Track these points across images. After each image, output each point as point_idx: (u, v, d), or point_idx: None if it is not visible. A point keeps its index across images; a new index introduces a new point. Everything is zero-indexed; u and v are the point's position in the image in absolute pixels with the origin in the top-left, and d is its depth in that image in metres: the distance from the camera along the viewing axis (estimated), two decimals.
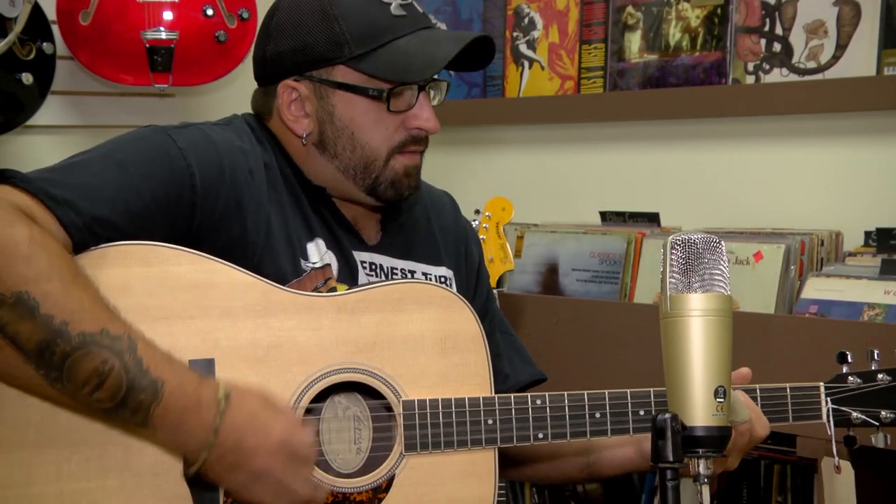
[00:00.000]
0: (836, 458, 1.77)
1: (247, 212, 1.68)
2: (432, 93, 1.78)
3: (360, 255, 1.79)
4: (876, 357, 1.79)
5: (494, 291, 2.68)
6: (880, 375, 1.77)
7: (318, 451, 1.62)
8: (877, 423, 1.77)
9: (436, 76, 1.78)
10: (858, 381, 1.78)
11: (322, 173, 1.77)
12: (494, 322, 1.97)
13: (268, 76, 1.78)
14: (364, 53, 1.70)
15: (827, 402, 1.77)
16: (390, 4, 1.73)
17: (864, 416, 1.77)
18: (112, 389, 1.46)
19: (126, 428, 1.53)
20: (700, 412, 1.39)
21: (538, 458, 1.90)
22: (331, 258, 1.76)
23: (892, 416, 1.76)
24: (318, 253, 1.74)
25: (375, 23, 1.71)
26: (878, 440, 1.77)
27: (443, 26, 1.81)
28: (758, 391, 1.76)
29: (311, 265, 1.73)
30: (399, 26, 1.72)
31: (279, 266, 1.68)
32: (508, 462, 1.90)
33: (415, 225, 1.89)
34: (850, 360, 1.78)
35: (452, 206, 2.01)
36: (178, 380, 1.49)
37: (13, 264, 1.43)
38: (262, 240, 1.68)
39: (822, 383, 1.78)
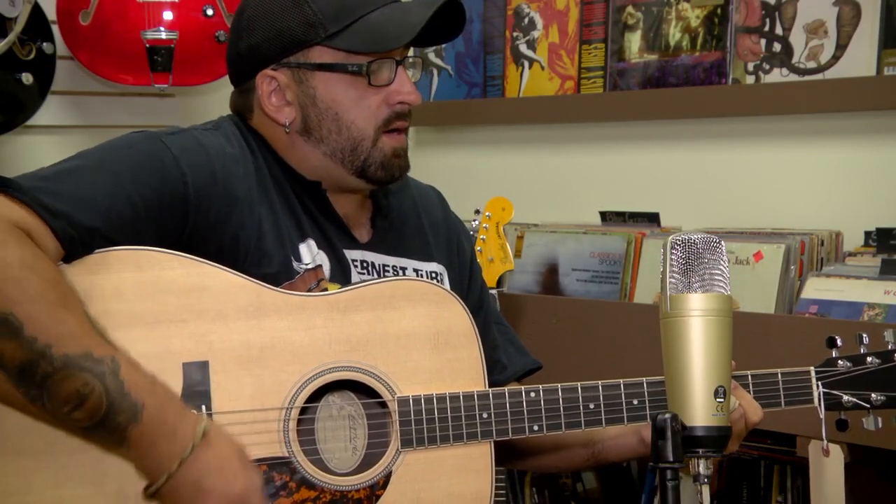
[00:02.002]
0: (825, 441, 1.78)
1: (238, 218, 1.68)
2: (410, 71, 1.79)
3: (351, 254, 1.79)
4: (865, 341, 1.80)
5: (494, 293, 2.69)
6: (870, 358, 1.78)
7: None
8: (868, 406, 1.77)
9: (410, 56, 1.79)
10: (849, 364, 1.78)
11: (310, 162, 1.77)
12: (490, 315, 1.98)
13: (244, 72, 1.78)
14: (339, 31, 1.71)
15: (818, 386, 1.78)
16: None
17: (855, 399, 1.77)
18: (91, 410, 1.46)
19: (100, 444, 1.53)
20: (700, 412, 1.39)
21: (543, 449, 1.91)
22: (322, 258, 1.75)
23: (882, 398, 1.77)
24: (310, 254, 1.74)
25: (346, 0, 1.72)
26: (869, 423, 1.78)
27: None
28: (749, 377, 1.77)
29: (303, 267, 1.73)
30: (370, 1, 1.73)
31: (271, 269, 1.68)
32: (514, 454, 1.91)
33: (405, 221, 1.89)
34: (839, 344, 1.79)
35: (440, 201, 2.01)
36: (159, 404, 1.49)
37: (2, 286, 1.44)
38: (253, 244, 1.69)
39: (812, 367, 1.79)
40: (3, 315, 1.43)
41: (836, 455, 1.82)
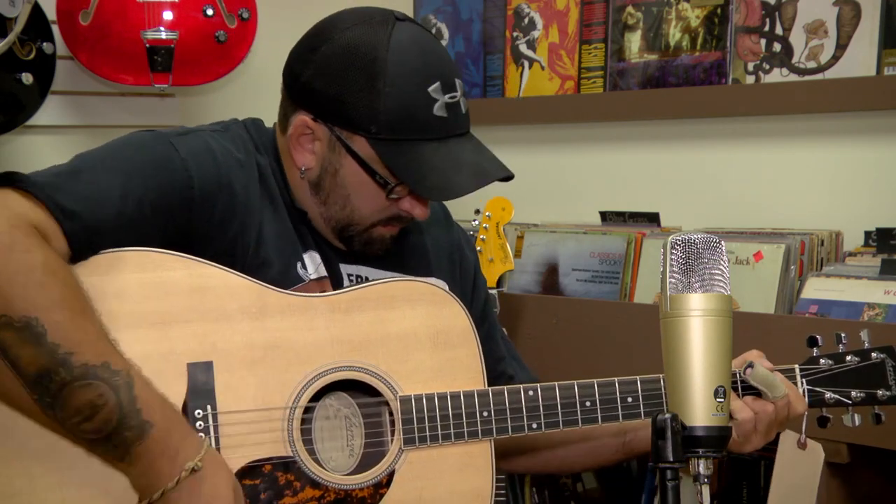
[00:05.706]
0: (804, 435, 1.82)
1: (240, 223, 1.69)
2: None
3: (346, 268, 1.80)
4: (843, 340, 1.84)
5: (494, 293, 2.68)
6: (849, 357, 1.82)
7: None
8: (849, 402, 1.81)
9: None
10: (830, 362, 1.82)
11: (305, 203, 1.77)
12: (495, 328, 1.99)
13: (292, 93, 1.75)
14: (388, 139, 1.68)
15: (802, 382, 1.81)
16: (436, 101, 1.69)
17: (836, 396, 1.81)
18: (101, 422, 1.46)
19: (102, 457, 1.52)
20: (700, 412, 1.39)
21: (570, 440, 1.92)
22: (322, 271, 1.77)
23: (862, 395, 1.81)
24: (313, 264, 1.76)
25: (413, 116, 1.67)
26: (848, 420, 1.82)
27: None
28: (738, 375, 1.78)
29: (309, 275, 1.74)
30: (433, 128, 1.69)
31: (269, 276, 1.68)
32: (537, 448, 1.93)
33: (405, 237, 1.88)
34: (820, 343, 1.83)
35: (444, 214, 2.00)
36: (166, 426, 1.50)
37: (27, 290, 1.43)
38: (252, 249, 1.69)
39: (797, 365, 1.82)
40: (27, 320, 1.43)
41: (815, 450, 1.85)
